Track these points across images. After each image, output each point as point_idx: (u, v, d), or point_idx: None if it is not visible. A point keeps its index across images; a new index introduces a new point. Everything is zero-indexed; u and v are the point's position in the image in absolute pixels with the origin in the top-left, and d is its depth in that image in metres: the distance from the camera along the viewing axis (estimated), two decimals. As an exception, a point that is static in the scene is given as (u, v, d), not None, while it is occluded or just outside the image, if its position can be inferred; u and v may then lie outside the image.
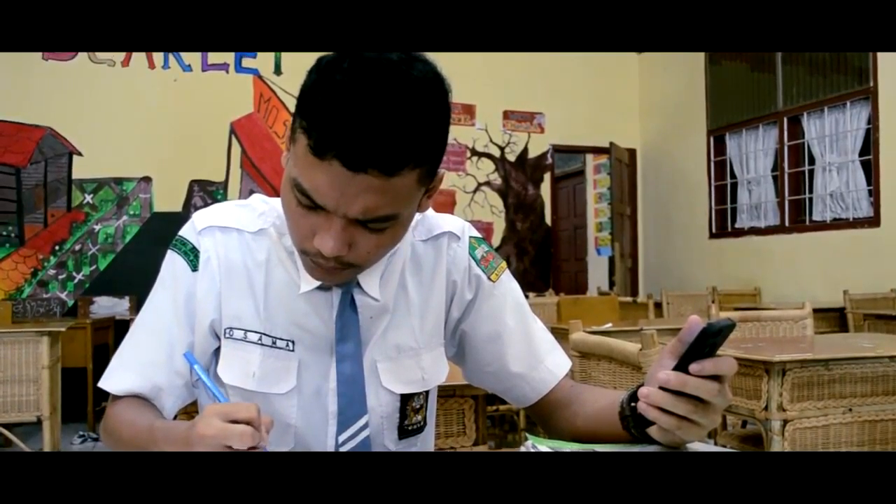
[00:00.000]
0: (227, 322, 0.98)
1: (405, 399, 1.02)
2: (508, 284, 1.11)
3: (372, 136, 0.77)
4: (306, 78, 0.83)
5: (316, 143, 0.79)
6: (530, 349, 1.09)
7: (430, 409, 1.09)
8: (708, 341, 0.81)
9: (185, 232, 1.01)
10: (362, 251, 0.87)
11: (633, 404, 0.91)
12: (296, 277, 0.98)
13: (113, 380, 0.97)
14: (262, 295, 0.98)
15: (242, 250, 0.99)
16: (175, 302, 0.98)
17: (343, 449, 0.98)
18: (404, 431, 1.03)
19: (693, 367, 0.81)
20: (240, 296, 0.98)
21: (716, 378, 0.82)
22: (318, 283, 0.96)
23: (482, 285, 1.08)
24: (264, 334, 0.97)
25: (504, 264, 1.12)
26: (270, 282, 0.98)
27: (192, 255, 0.99)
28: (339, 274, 0.91)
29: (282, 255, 0.98)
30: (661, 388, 0.82)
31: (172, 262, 1.00)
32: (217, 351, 1.01)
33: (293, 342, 0.98)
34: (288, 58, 6.68)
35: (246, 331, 0.97)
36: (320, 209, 0.84)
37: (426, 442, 1.10)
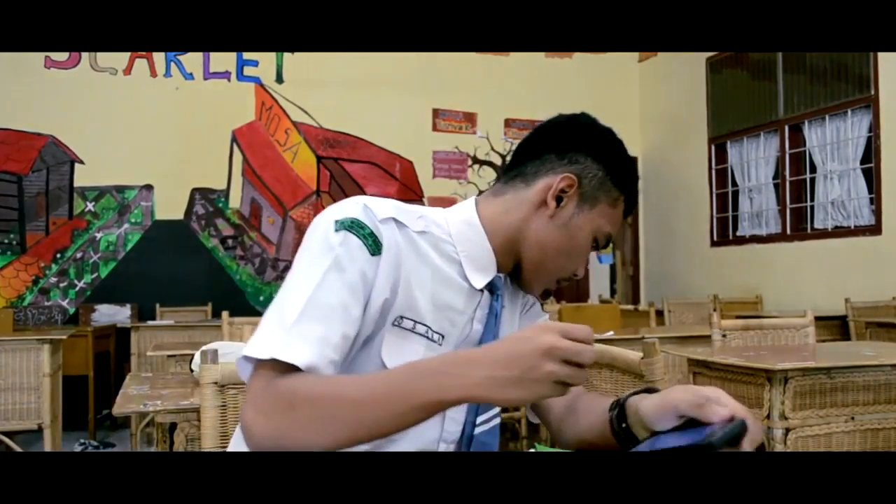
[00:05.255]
0: (400, 311, 1.01)
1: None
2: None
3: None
4: (607, 147, 1.14)
5: (629, 207, 1.12)
6: None
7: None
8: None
9: (360, 216, 0.99)
10: None
11: (623, 425, 0.97)
12: (457, 276, 1.06)
13: (291, 351, 0.90)
14: (429, 290, 1.03)
15: (414, 246, 1.03)
16: (352, 283, 0.96)
17: (477, 431, 1.08)
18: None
19: None
20: (413, 288, 1.02)
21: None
22: (487, 281, 1.08)
23: (535, 306, 1.23)
24: (429, 328, 1.03)
25: None
26: (434, 279, 1.04)
27: (370, 240, 0.98)
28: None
29: (443, 256, 1.06)
30: None
31: (346, 241, 0.97)
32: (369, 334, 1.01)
33: (443, 336, 1.05)
34: (289, 66, 6.70)
35: (415, 322, 1.02)
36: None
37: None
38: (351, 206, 1.00)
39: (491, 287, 1.10)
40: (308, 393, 0.87)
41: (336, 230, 0.97)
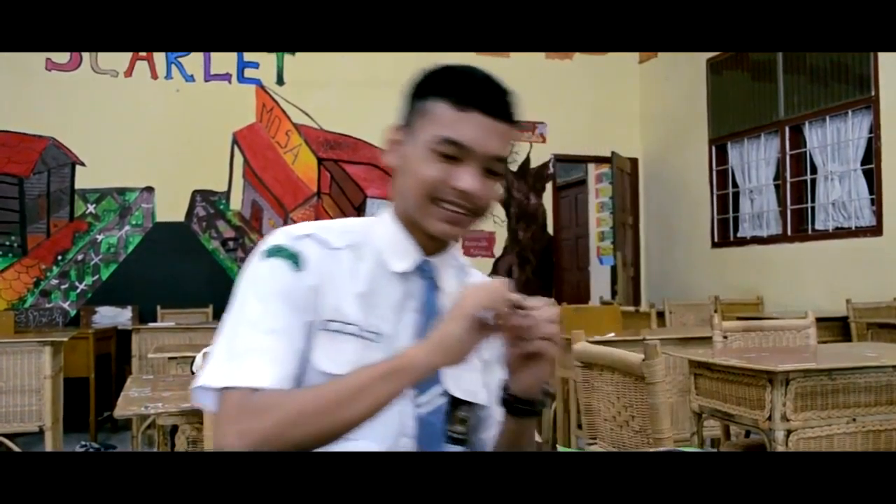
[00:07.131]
0: (327, 316, 1.06)
1: (454, 403, 1.09)
2: None
3: (500, 94, 1.09)
4: (413, 80, 1.13)
5: (458, 100, 1.07)
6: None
7: (481, 435, 1.14)
8: None
9: (279, 241, 1.09)
10: (484, 197, 1.07)
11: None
12: (382, 273, 1.10)
13: (255, 374, 0.99)
14: (354, 295, 1.08)
15: (335, 258, 1.09)
16: (287, 302, 1.04)
17: (421, 411, 1.08)
18: (447, 436, 1.08)
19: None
20: (338, 294, 1.07)
21: None
22: (409, 264, 1.11)
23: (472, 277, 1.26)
24: (359, 327, 1.07)
25: None
26: (359, 283, 1.09)
27: (293, 259, 1.06)
28: (462, 222, 1.08)
29: (364, 259, 1.10)
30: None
31: (272, 268, 1.06)
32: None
33: (378, 334, 1.08)
34: (290, 68, 6.70)
35: (344, 323, 1.06)
36: (456, 159, 1.06)
37: None
38: (273, 236, 1.10)
39: (422, 275, 1.13)
40: (283, 397, 0.98)
41: (265, 260, 1.07)
